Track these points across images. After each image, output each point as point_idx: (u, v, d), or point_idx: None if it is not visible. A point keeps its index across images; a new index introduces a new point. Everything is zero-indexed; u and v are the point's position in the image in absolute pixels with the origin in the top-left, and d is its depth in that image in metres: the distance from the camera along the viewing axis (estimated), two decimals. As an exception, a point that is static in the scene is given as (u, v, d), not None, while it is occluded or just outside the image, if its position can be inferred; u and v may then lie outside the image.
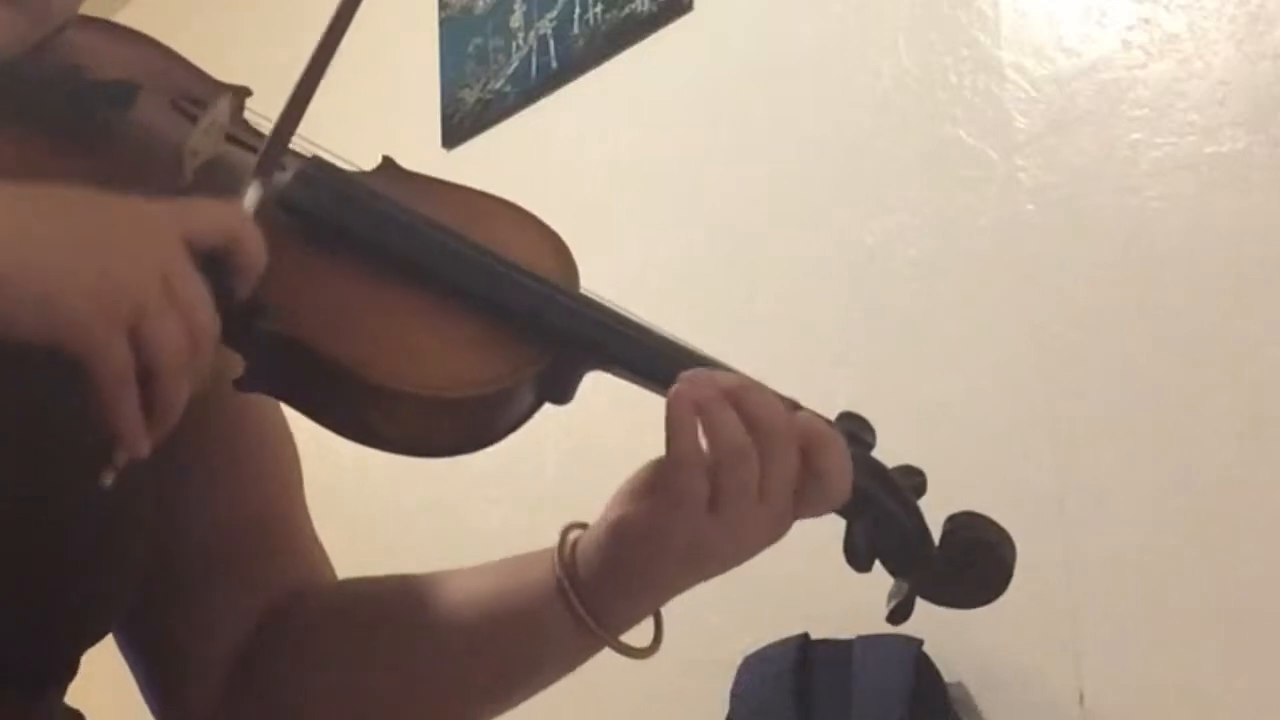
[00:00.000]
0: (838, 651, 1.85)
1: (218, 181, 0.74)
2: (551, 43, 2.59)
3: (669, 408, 0.75)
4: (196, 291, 0.65)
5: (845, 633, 1.87)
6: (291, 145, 0.79)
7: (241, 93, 0.83)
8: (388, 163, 0.85)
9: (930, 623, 1.80)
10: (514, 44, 2.66)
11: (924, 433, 1.74)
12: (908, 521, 0.82)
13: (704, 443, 0.75)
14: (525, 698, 0.86)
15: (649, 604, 0.81)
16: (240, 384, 0.76)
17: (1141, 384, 1.77)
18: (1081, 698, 1.73)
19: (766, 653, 1.91)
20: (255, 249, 0.69)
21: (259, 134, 0.81)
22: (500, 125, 2.64)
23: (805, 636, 1.90)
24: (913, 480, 0.84)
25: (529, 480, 2.30)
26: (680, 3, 2.38)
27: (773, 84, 2.25)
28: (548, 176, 2.48)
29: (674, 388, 0.76)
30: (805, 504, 0.79)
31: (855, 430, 0.82)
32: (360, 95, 2.77)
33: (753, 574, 2.36)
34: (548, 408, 0.79)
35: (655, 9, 2.41)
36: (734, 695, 1.92)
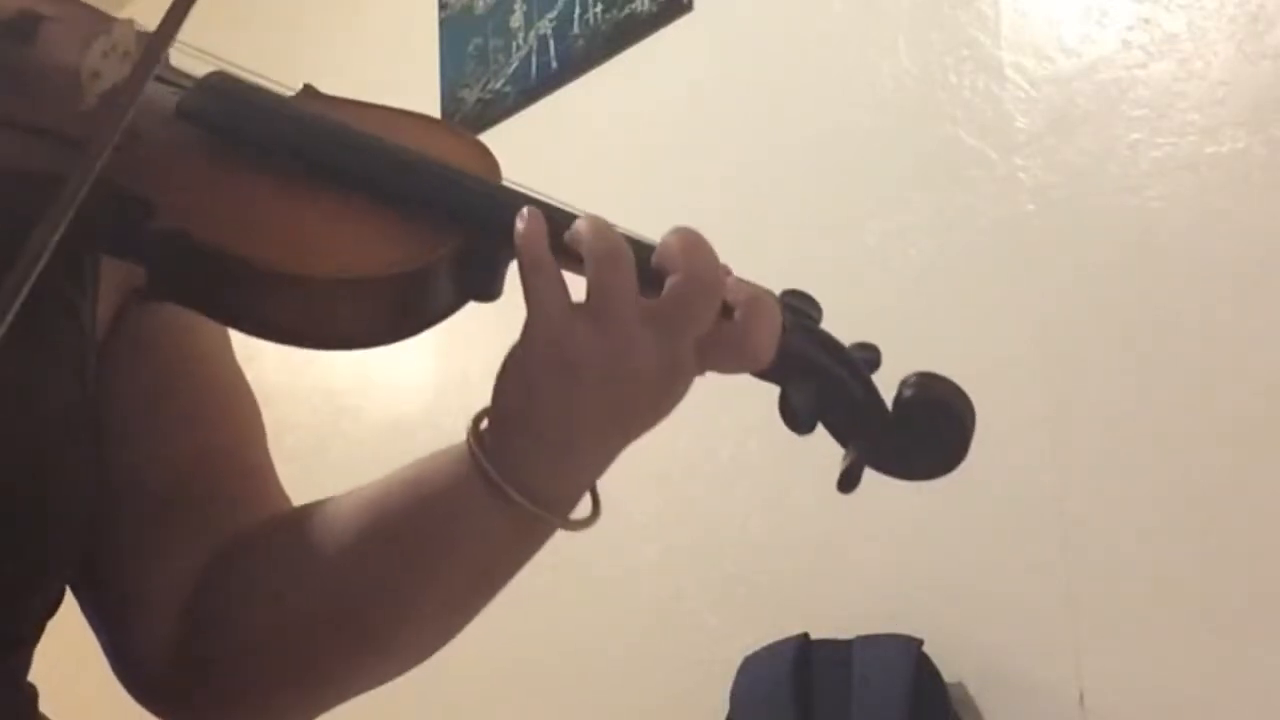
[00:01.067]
0: (838, 651, 1.85)
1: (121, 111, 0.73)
2: (551, 43, 2.59)
3: (517, 219, 0.74)
4: None
5: (845, 633, 1.87)
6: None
7: (147, 35, 0.81)
8: (308, 87, 0.85)
9: (930, 623, 1.82)
10: (514, 44, 2.67)
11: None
12: (854, 386, 0.78)
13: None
14: (464, 598, 0.81)
15: (556, 452, 0.75)
16: (145, 293, 0.75)
17: (1141, 384, 1.77)
18: (1081, 698, 1.73)
19: (766, 653, 1.91)
20: None
21: (178, 72, 0.81)
22: (500, 125, 2.65)
23: (805, 636, 1.90)
24: (865, 354, 0.81)
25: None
26: (680, 3, 2.38)
27: (773, 84, 2.25)
28: (548, 176, 2.47)
29: (527, 206, 0.75)
30: (712, 355, 0.75)
31: (796, 302, 0.80)
32: (360, 95, 2.77)
33: (753, 574, 2.38)
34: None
35: (655, 9, 2.41)
36: (734, 695, 1.92)
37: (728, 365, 0.76)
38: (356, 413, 2.81)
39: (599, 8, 2.51)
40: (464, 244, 0.75)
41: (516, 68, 2.65)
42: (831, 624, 1.89)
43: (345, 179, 0.77)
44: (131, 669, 0.86)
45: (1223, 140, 1.73)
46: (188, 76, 0.81)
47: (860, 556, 1.95)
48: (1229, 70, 1.75)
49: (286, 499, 0.90)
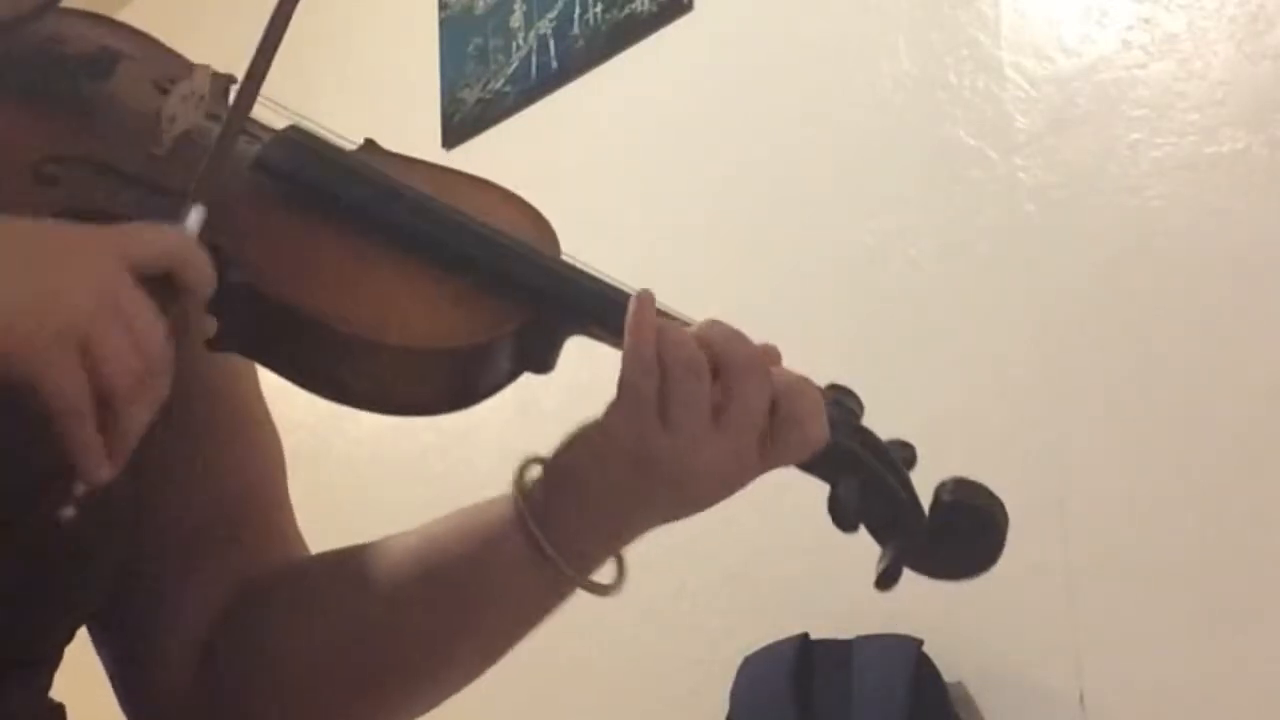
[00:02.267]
0: (838, 651, 1.85)
1: (195, 156, 0.74)
2: (551, 43, 2.59)
3: (632, 308, 0.76)
4: (142, 309, 0.64)
5: (845, 633, 1.87)
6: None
7: (224, 78, 0.83)
8: (370, 143, 0.86)
9: (930, 623, 1.82)
10: (514, 44, 2.66)
11: (923, 433, 1.74)
12: (895, 486, 0.80)
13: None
14: (496, 648, 0.82)
15: (605, 527, 0.78)
16: (213, 344, 0.75)
17: (1142, 384, 1.77)
18: (1081, 698, 1.73)
19: (766, 653, 1.91)
20: (199, 271, 0.68)
21: (251, 121, 0.81)
22: (500, 125, 2.64)
23: (805, 636, 1.90)
24: (903, 452, 0.82)
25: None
26: (680, 3, 2.38)
27: (773, 84, 2.25)
28: (548, 176, 2.47)
29: (636, 295, 0.76)
30: (774, 446, 0.77)
31: (842, 398, 0.81)
32: (360, 95, 2.77)
33: (753, 574, 2.38)
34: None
35: (655, 9, 2.41)
36: (734, 695, 1.92)
37: (788, 453, 0.78)
38: (356, 413, 2.80)
39: (599, 8, 2.51)
40: (530, 320, 0.77)
41: (516, 68, 2.65)
42: (831, 624, 1.89)
43: (419, 246, 0.77)
44: (142, 706, 0.86)
45: (1223, 140, 1.73)
46: (256, 123, 0.81)
47: (860, 556, 1.94)
48: (1229, 70, 1.75)
49: (301, 538, 0.91)
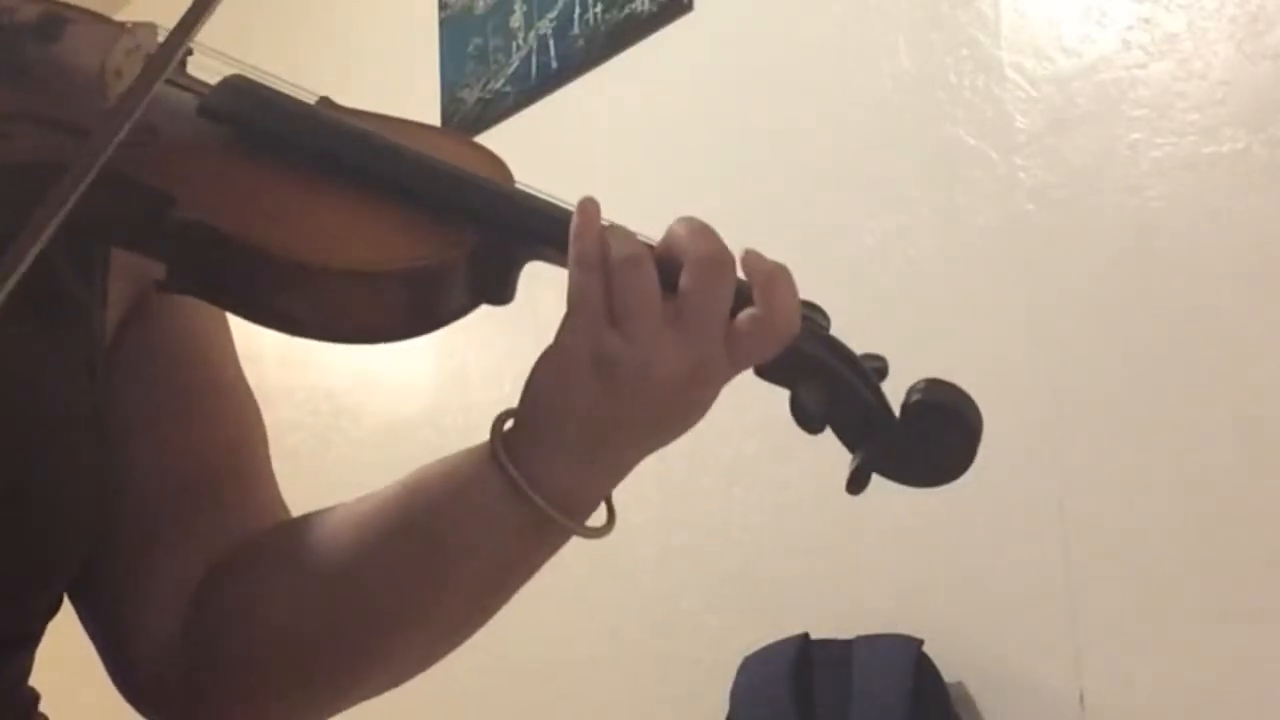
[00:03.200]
0: (838, 651, 1.85)
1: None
2: (551, 43, 2.59)
3: (575, 213, 0.75)
4: None
5: (845, 633, 1.87)
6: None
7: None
8: (325, 99, 0.87)
9: (930, 623, 1.82)
10: (514, 44, 2.67)
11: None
12: (860, 387, 0.78)
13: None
14: (483, 600, 0.81)
15: (581, 462, 0.75)
16: (163, 285, 0.76)
17: (1141, 384, 1.77)
18: (1081, 698, 1.73)
19: (766, 653, 1.91)
20: None
21: (196, 80, 0.82)
22: (500, 125, 2.65)
23: (805, 636, 1.90)
24: (874, 363, 0.81)
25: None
26: (680, 3, 2.38)
27: (773, 84, 2.25)
28: (547, 176, 2.47)
29: (582, 199, 0.76)
30: (740, 342, 0.74)
31: (810, 313, 0.80)
32: (360, 95, 2.77)
33: (753, 574, 2.38)
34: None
35: (655, 9, 2.41)
36: (734, 695, 1.92)
37: (757, 349, 0.75)
38: (356, 413, 2.81)
39: (599, 8, 2.51)
40: (480, 245, 0.76)
41: (516, 68, 2.65)
42: (831, 624, 1.89)
43: (364, 177, 0.78)
44: (129, 673, 0.86)
45: (1223, 140, 1.73)
46: (206, 84, 0.82)
47: (860, 556, 1.95)
48: (1229, 70, 1.75)
49: (284, 505, 0.90)
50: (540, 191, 0.80)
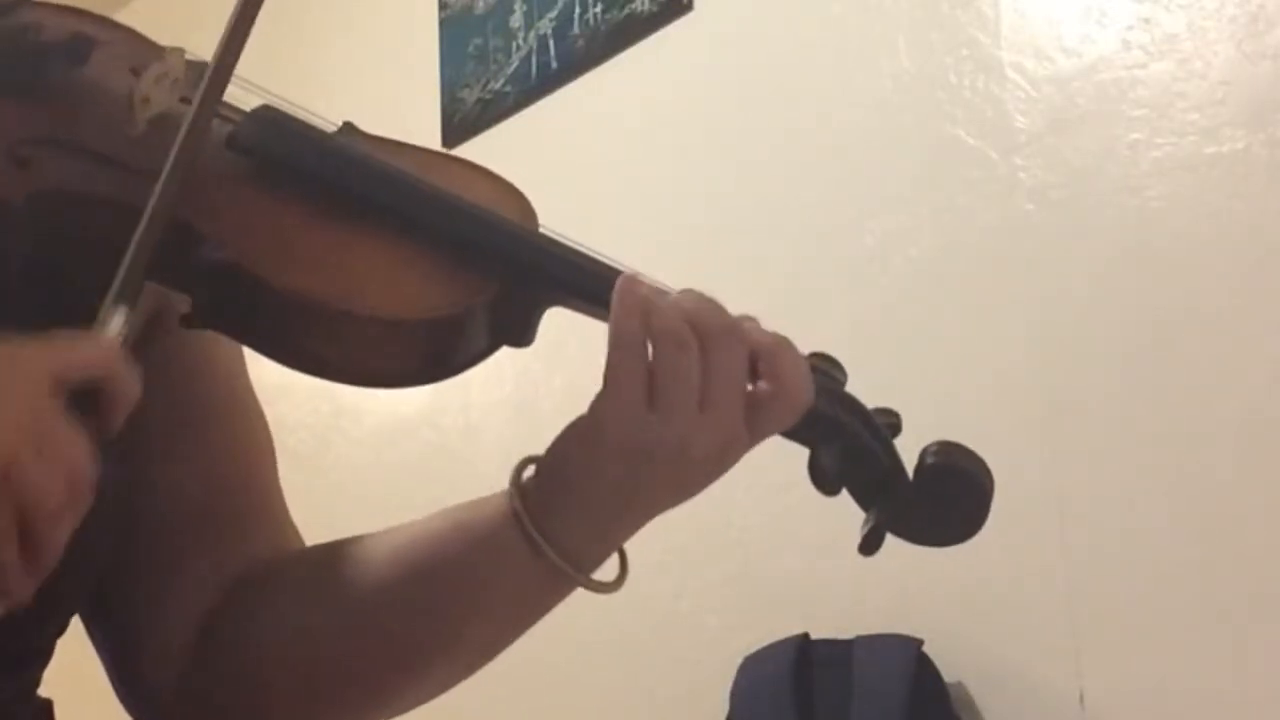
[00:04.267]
0: (838, 651, 1.85)
1: (169, 137, 0.74)
2: (551, 43, 2.59)
3: (616, 293, 0.74)
4: (68, 437, 0.63)
5: (845, 633, 1.87)
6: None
7: (199, 64, 0.82)
8: (348, 125, 0.86)
9: (930, 623, 1.82)
10: (514, 44, 2.66)
11: (923, 432, 1.74)
12: (877, 450, 0.79)
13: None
14: (492, 645, 0.82)
15: (601, 523, 0.77)
16: (187, 321, 0.76)
17: (1141, 384, 1.77)
18: (1081, 698, 1.73)
19: (766, 653, 1.91)
20: (126, 385, 0.67)
21: (224, 104, 0.81)
22: (500, 125, 2.64)
23: (805, 636, 1.90)
24: (888, 419, 0.81)
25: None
26: (680, 3, 2.38)
27: (773, 84, 2.25)
28: (548, 176, 2.47)
29: (622, 276, 0.75)
30: (758, 415, 0.75)
31: (825, 367, 0.81)
32: (360, 95, 2.77)
33: (753, 574, 2.37)
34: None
35: (655, 9, 2.41)
36: (734, 695, 1.92)
37: (776, 421, 0.76)
38: (356, 413, 2.81)
39: (599, 8, 2.51)
40: (502, 291, 0.76)
41: (516, 68, 2.65)
42: (831, 624, 1.89)
43: (391, 220, 0.78)
44: (138, 694, 0.86)
45: (1223, 140, 1.73)
46: (231, 107, 0.81)
47: (860, 557, 1.94)
48: (1229, 70, 1.75)
49: (294, 525, 0.91)
50: (565, 237, 0.80)
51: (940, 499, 0.80)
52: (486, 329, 0.76)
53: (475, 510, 0.80)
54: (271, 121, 0.81)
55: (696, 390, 0.73)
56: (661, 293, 0.75)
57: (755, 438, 0.77)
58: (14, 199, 0.71)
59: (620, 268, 0.77)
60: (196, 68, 0.80)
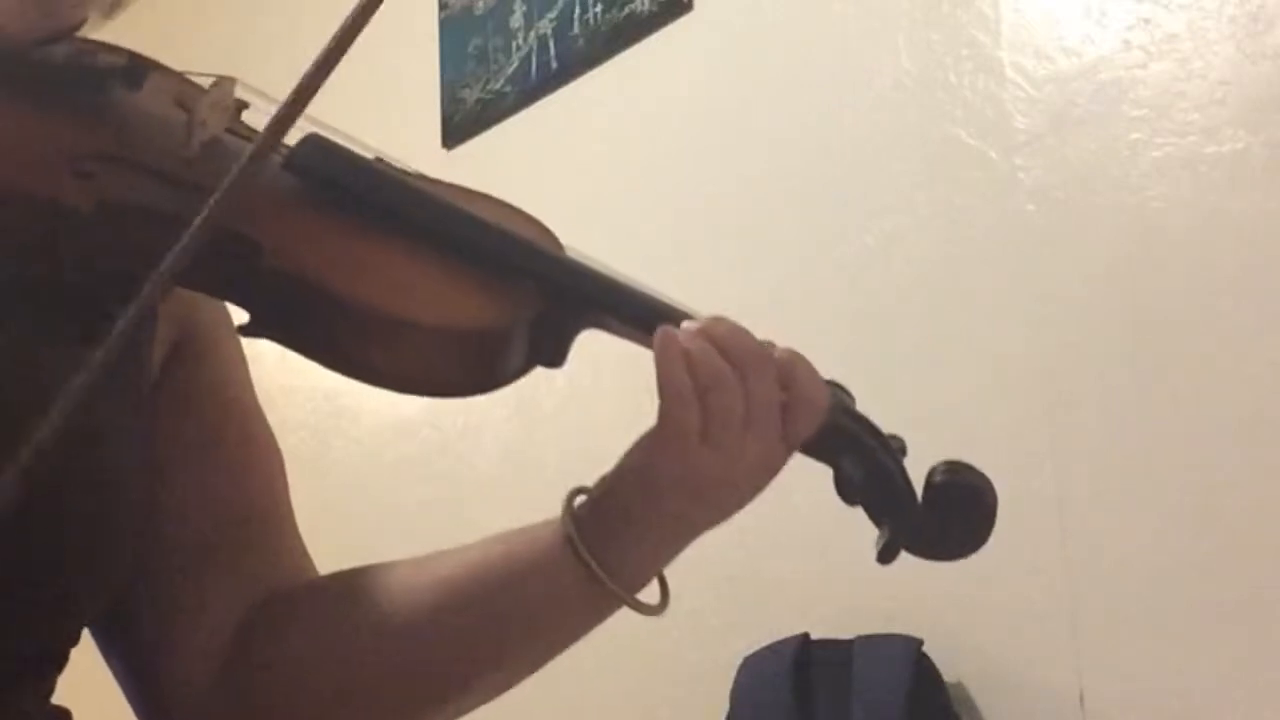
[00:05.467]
0: (838, 651, 1.85)
1: (223, 159, 0.78)
2: (551, 43, 2.59)
3: (657, 348, 0.79)
4: None
5: (845, 633, 1.87)
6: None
7: (240, 102, 0.88)
8: (379, 158, 0.90)
9: (930, 623, 1.82)
10: (514, 44, 2.66)
11: (923, 432, 1.74)
12: (891, 468, 0.85)
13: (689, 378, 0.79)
14: (531, 668, 0.86)
15: (655, 551, 0.82)
16: (244, 330, 0.79)
17: (1141, 384, 1.77)
18: (1081, 698, 1.73)
19: (766, 653, 1.91)
20: None
21: (248, 127, 0.85)
22: (500, 125, 2.65)
23: (805, 636, 1.90)
24: (896, 442, 0.87)
25: (531, 483, 2.30)
26: (680, 3, 2.38)
27: (773, 84, 2.25)
28: (547, 176, 2.48)
29: (659, 330, 0.80)
30: (792, 428, 0.81)
31: (836, 388, 0.86)
32: (360, 95, 2.77)
33: (753, 574, 2.37)
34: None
35: (655, 9, 2.41)
36: (734, 695, 1.92)
37: (804, 427, 0.82)
38: (356, 413, 2.81)
39: (599, 8, 2.51)
40: (544, 309, 0.81)
41: (516, 68, 2.65)
42: (831, 624, 1.89)
43: (438, 241, 0.82)
44: (161, 712, 0.86)
45: (1223, 140, 1.73)
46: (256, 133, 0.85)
47: (860, 556, 1.94)
48: (1229, 70, 1.75)
49: (306, 550, 0.92)
50: (597, 262, 0.85)
51: (948, 516, 0.86)
52: (527, 346, 0.81)
53: (523, 539, 0.83)
54: (324, 145, 0.85)
55: (740, 418, 0.78)
56: (695, 333, 0.80)
57: (790, 448, 0.82)
58: (83, 207, 0.75)
59: (652, 293, 0.83)
60: (240, 102, 0.86)
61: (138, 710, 0.87)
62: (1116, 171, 1.82)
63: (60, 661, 0.82)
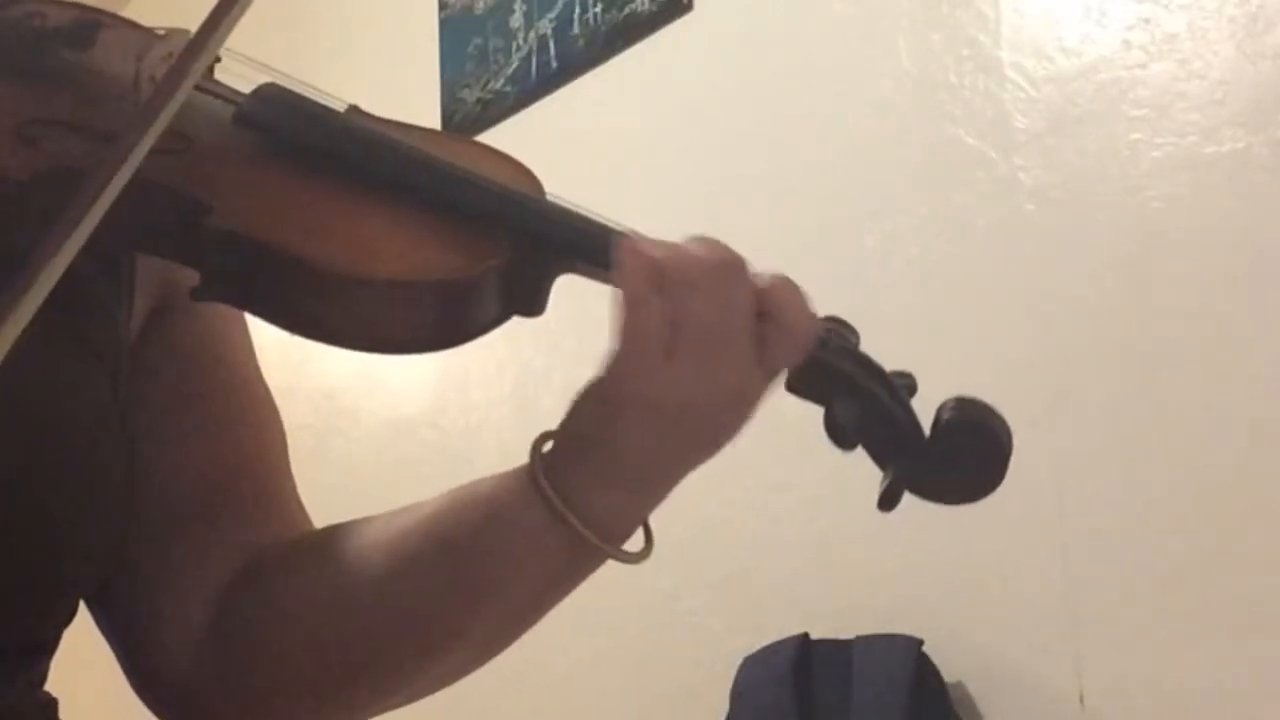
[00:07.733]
0: (838, 651, 1.85)
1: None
2: (551, 43, 2.59)
3: (620, 252, 0.74)
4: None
5: (845, 633, 1.87)
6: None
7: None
8: (354, 108, 0.87)
9: (930, 623, 1.82)
10: (514, 44, 2.67)
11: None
12: (891, 405, 0.79)
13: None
14: (517, 620, 0.81)
15: (624, 489, 0.76)
16: (196, 293, 0.76)
17: (1141, 384, 1.77)
18: (1081, 698, 1.73)
19: (766, 653, 1.91)
20: None
21: (225, 86, 0.82)
22: (500, 125, 2.65)
23: (805, 636, 1.90)
24: (903, 380, 0.82)
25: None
26: (680, 3, 2.38)
27: (773, 84, 2.25)
28: (547, 176, 2.47)
29: (625, 238, 0.75)
30: (767, 351, 0.75)
31: (838, 326, 0.81)
32: (360, 95, 2.77)
33: (753, 574, 2.38)
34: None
35: (655, 9, 2.41)
36: (734, 695, 1.92)
37: (784, 353, 0.76)
38: (356, 413, 2.81)
39: (599, 8, 2.51)
40: (514, 258, 0.76)
41: (516, 68, 2.65)
42: (831, 624, 1.89)
43: (399, 188, 0.78)
44: (149, 679, 0.86)
45: (1223, 140, 1.73)
46: (236, 92, 0.83)
47: (860, 556, 1.95)
48: (1229, 70, 1.75)
49: (303, 508, 0.90)
50: (573, 204, 0.80)
51: (958, 454, 0.79)
52: (498, 295, 0.76)
53: (493, 484, 0.79)
54: (278, 98, 0.82)
55: (710, 331, 0.73)
56: (666, 244, 0.75)
57: (768, 376, 0.76)
58: (18, 176, 0.72)
59: (628, 232, 0.78)
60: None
61: (129, 676, 0.86)
62: (1116, 171, 1.82)
63: (50, 647, 0.81)
